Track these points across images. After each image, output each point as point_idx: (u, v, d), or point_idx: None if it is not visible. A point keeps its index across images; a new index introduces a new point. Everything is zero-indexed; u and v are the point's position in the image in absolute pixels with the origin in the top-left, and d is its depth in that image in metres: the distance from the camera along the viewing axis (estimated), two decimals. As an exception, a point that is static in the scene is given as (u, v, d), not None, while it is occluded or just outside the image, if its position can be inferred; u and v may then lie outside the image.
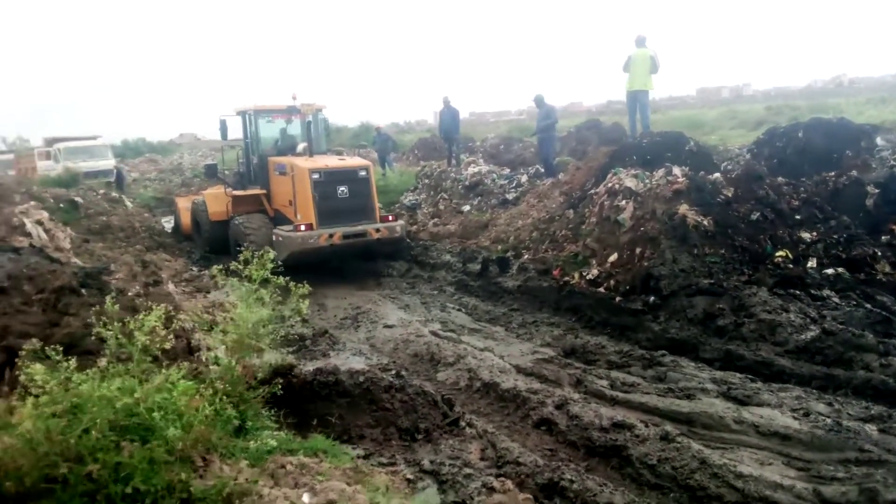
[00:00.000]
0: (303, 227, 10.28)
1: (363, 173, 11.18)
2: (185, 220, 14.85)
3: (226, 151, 15.01)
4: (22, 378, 2.62)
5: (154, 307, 3.09)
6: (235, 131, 12.96)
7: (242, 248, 10.40)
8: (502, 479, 4.01)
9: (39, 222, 8.89)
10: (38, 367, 2.59)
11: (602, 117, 25.76)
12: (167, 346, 3.00)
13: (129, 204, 16.78)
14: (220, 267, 5.16)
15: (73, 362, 2.70)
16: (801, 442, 4.63)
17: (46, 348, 2.79)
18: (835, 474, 4.26)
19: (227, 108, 12.29)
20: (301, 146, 12.17)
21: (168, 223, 19.50)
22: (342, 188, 10.78)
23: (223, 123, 12.22)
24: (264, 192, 12.11)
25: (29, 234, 8.54)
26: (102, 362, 3.27)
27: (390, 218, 11.35)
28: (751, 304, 6.73)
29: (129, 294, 4.71)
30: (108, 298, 3.14)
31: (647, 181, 8.86)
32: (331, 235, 10.28)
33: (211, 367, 3.40)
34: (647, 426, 4.98)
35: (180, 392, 2.86)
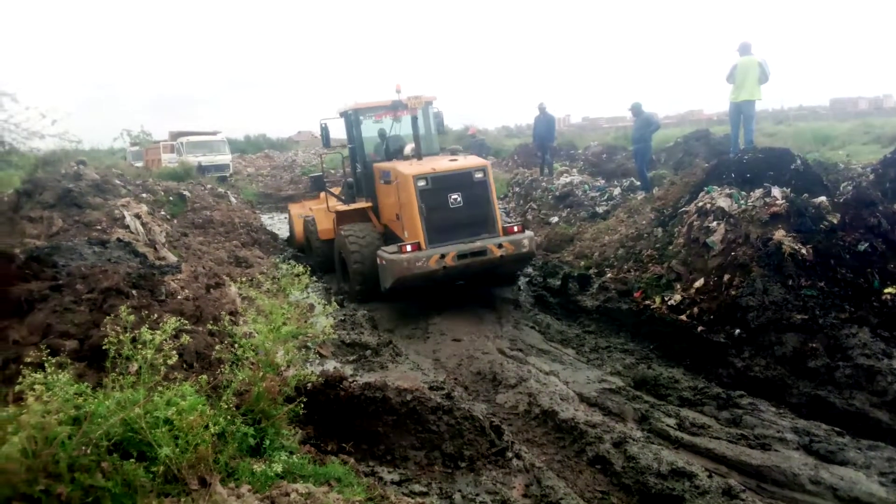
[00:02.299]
0: (409, 248, 8.67)
1: (479, 175, 9.18)
2: (299, 229, 13.76)
3: (326, 158, 13.73)
4: (20, 387, 2.67)
5: (170, 319, 3.11)
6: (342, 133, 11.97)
7: (347, 264, 9.71)
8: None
9: (138, 216, 9.41)
10: (38, 375, 2.64)
11: (721, 127, 24.34)
12: (171, 361, 2.99)
13: (233, 199, 17.60)
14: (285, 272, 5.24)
15: (69, 370, 2.73)
16: (885, 513, 4.09)
17: (44, 356, 2.84)
18: (921, 557, 3.72)
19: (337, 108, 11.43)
20: (408, 148, 10.70)
21: (270, 220, 20.37)
22: (454, 195, 8.95)
23: (324, 128, 11.00)
24: (370, 204, 10.64)
25: (128, 227, 9.06)
26: (133, 368, 3.33)
27: (515, 229, 9.27)
28: (849, 345, 6.07)
29: (179, 298, 4.82)
30: (122, 307, 3.17)
31: (742, 202, 8.22)
32: (442, 256, 8.62)
33: (232, 380, 3.37)
34: (710, 476, 4.57)
35: (188, 408, 2.84)
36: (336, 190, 12.70)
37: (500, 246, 8.89)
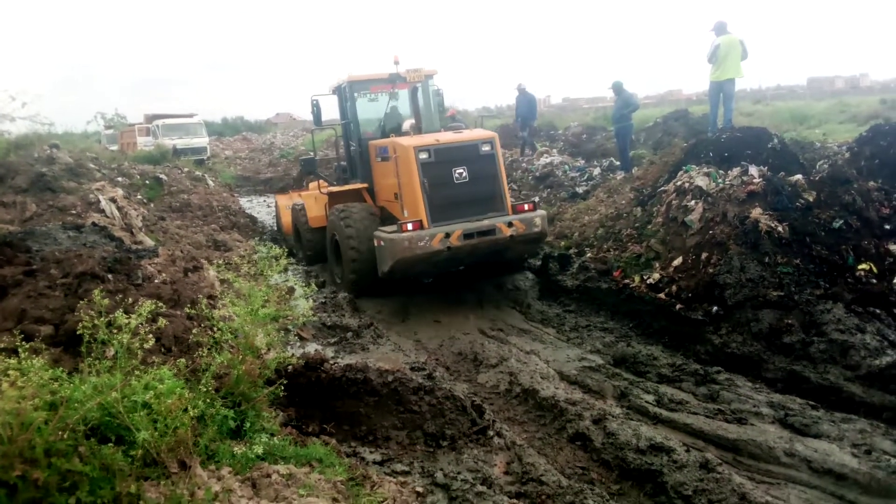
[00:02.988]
0: (409, 227, 7.92)
1: (487, 148, 8.39)
2: (286, 220, 12.79)
3: (317, 137, 12.76)
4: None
5: (146, 303, 3.08)
6: (332, 115, 11.19)
7: (340, 247, 9.07)
8: (515, 501, 3.80)
9: (113, 200, 9.28)
10: (13, 361, 2.60)
11: (700, 107, 24.43)
12: (147, 345, 2.97)
13: (210, 182, 17.42)
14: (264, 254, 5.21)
15: (44, 356, 2.70)
16: (857, 483, 4.18)
17: (19, 342, 2.80)
18: (892, 525, 3.82)
19: (321, 88, 10.73)
20: (407, 124, 9.85)
21: (248, 203, 20.17)
22: (459, 170, 8.18)
23: (315, 105, 9.95)
24: (366, 185, 9.80)
25: (103, 211, 8.93)
26: (110, 352, 3.30)
27: (526, 207, 8.54)
28: (823, 321, 6.17)
29: (156, 282, 4.77)
30: (95, 291, 3.13)
31: (719, 181, 8.29)
32: (447, 235, 7.89)
33: (210, 363, 3.35)
34: (687, 451, 4.64)
35: (166, 391, 2.82)
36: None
37: (510, 225, 8.18)
